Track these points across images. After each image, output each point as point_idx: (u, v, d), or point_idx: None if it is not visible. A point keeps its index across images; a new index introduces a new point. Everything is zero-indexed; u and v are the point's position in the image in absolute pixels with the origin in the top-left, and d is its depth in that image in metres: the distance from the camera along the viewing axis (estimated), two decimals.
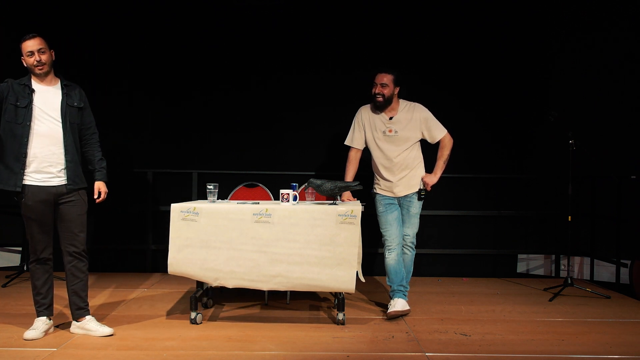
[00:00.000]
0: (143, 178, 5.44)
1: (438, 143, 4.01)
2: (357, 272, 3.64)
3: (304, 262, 3.53)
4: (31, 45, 3.26)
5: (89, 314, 3.41)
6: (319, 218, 3.55)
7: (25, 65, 3.31)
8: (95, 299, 4.23)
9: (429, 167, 4.03)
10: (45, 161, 3.27)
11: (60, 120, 3.32)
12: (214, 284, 3.60)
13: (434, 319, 3.83)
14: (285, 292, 4.10)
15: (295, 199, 3.77)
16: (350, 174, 4.11)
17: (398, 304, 3.80)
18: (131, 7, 5.38)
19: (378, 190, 4.05)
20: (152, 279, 5.11)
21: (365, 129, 4.03)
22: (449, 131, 4.00)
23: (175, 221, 3.57)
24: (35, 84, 3.31)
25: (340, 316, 3.65)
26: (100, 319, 3.53)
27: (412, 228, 3.97)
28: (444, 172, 4.01)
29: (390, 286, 3.91)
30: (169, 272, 3.55)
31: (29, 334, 3.26)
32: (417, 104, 4.01)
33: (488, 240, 5.50)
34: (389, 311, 3.80)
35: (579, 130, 4.63)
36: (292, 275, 3.54)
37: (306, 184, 3.87)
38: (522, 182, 5.50)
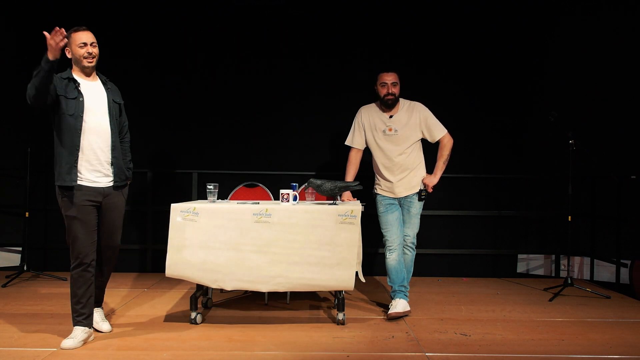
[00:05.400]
0: (143, 178, 5.44)
1: (438, 143, 4.01)
2: (357, 272, 3.64)
3: (303, 262, 3.53)
4: (85, 37, 3.18)
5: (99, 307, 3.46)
6: (318, 218, 3.55)
7: (72, 56, 3.20)
8: None
9: (430, 168, 4.03)
10: (96, 158, 3.19)
11: (108, 115, 3.26)
12: (213, 285, 3.56)
13: (434, 319, 3.83)
14: (285, 292, 4.10)
15: (295, 199, 3.77)
16: (350, 174, 4.11)
17: (399, 305, 3.80)
18: (131, 7, 5.37)
19: (379, 191, 4.05)
20: (152, 279, 5.11)
21: (365, 129, 4.03)
22: (449, 131, 4.00)
23: (175, 221, 3.55)
24: (78, 78, 3.21)
25: (340, 316, 3.65)
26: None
27: (413, 228, 3.97)
28: (444, 172, 4.01)
29: (392, 287, 3.91)
30: (166, 275, 3.51)
31: (67, 342, 3.08)
32: (417, 103, 4.01)
33: (488, 240, 5.50)
34: (389, 312, 3.79)
35: (579, 130, 4.63)
36: (291, 275, 3.53)
37: (306, 184, 3.87)
38: (522, 182, 5.50)
